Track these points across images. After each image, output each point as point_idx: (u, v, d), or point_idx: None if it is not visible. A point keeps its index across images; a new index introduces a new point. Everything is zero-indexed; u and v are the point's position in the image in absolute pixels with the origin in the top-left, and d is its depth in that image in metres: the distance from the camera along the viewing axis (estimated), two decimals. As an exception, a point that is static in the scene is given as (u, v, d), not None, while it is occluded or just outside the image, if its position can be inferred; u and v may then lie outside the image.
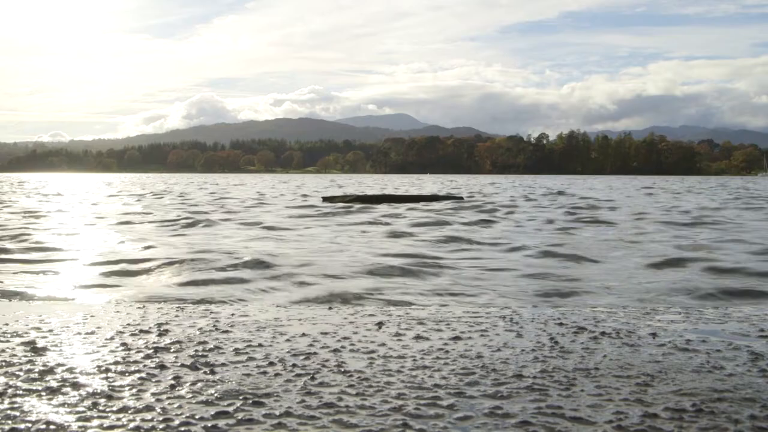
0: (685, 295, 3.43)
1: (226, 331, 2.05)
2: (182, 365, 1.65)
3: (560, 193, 19.86)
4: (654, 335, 2.03)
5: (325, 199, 14.98)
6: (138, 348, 1.82)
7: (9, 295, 3.31)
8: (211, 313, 2.38)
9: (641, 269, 4.39)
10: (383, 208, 11.52)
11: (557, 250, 5.33)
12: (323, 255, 5.05)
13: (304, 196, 18.56)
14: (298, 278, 3.91)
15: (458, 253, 5.29)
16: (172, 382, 1.51)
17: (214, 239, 6.32)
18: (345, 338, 1.96)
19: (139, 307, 2.50)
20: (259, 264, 4.38)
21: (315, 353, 1.78)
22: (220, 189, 25.79)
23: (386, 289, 3.59)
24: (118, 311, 2.41)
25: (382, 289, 3.56)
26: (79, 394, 1.42)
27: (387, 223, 8.39)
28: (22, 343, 1.86)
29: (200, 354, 1.77)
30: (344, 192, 20.50)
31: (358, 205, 12.65)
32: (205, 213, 10.69)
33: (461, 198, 16.05)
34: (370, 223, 8.59)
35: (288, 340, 1.93)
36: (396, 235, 6.92)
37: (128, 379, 1.53)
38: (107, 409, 1.33)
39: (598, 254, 5.16)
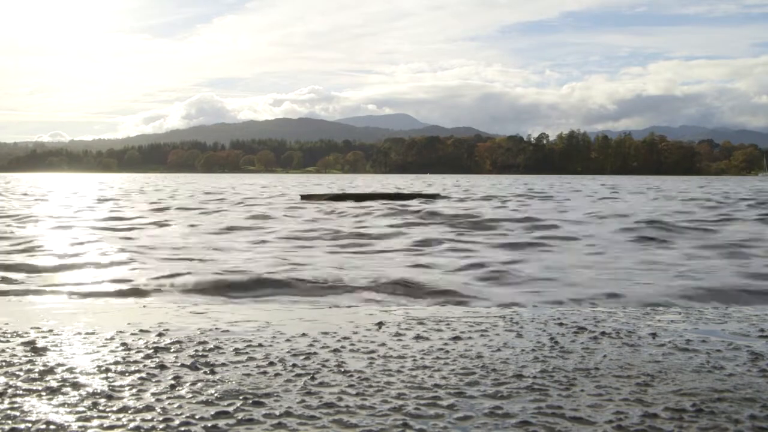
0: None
1: (226, 331, 2.05)
2: (182, 365, 1.65)
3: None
4: (654, 335, 2.03)
5: (304, 197, 15.32)
6: (138, 348, 1.82)
7: (9, 294, 3.31)
8: (211, 313, 2.38)
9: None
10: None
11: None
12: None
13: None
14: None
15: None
16: (172, 382, 1.51)
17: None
18: (345, 338, 1.96)
19: (139, 307, 2.50)
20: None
21: (315, 353, 1.78)
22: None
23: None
24: (118, 311, 2.41)
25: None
26: (79, 394, 1.42)
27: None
28: (22, 343, 1.85)
29: (200, 354, 1.77)
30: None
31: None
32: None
33: (438, 195, 16.38)
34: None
35: (288, 340, 1.93)
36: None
37: (128, 379, 1.53)
38: (107, 409, 1.33)
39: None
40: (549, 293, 3.35)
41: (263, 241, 6.14)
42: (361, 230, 7.13)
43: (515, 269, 4.17)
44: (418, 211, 10.30)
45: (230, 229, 7.63)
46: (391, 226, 7.82)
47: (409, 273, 3.94)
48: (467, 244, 5.83)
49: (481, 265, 4.34)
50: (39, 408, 1.34)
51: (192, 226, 8.05)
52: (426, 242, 5.93)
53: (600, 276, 3.92)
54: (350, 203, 13.15)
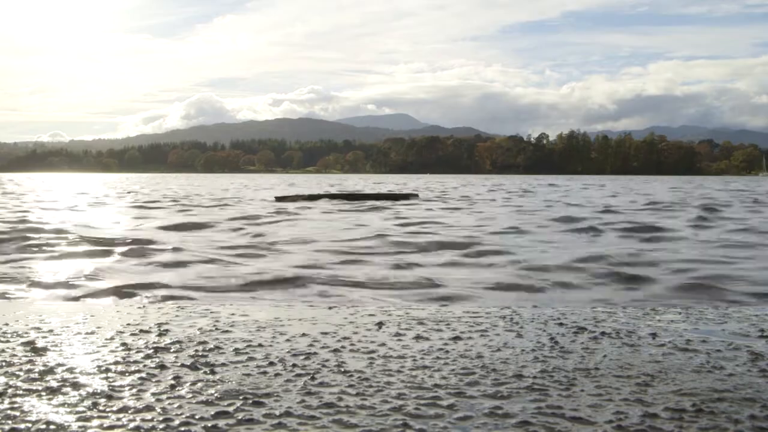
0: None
1: (226, 331, 2.05)
2: (182, 365, 1.65)
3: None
4: (654, 335, 2.03)
5: (278, 198, 15.40)
6: (138, 348, 1.82)
7: (9, 294, 3.31)
8: (211, 313, 2.38)
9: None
10: None
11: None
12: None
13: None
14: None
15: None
16: (172, 382, 1.51)
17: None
18: (345, 338, 1.96)
19: (139, 307, 2.50)
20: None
21: (315, 353, 1.78)
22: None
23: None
24: (118, 311, 2.41)
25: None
26: (79, 394, 1.42)
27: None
28: (22, 343, 1.86)
29: (200, 354, 1.77)
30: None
31: None
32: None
33: (416, 195, 16.50)
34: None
35: (288, 340, 1.93)
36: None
37: (128, 379, 1.53)
38: (107, 409, 1.33)
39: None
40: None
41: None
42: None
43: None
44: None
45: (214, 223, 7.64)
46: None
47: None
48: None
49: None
50: (39, 408, 1.34)
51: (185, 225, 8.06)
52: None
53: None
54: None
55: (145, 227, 7.58)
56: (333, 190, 21.42)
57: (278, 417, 1.30)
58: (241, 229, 7.47)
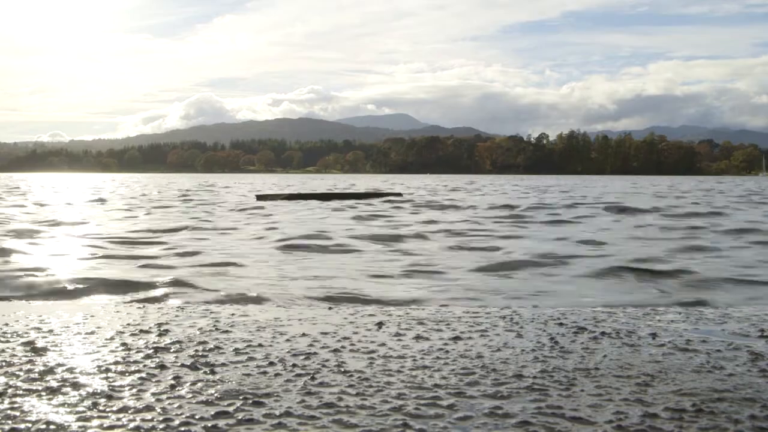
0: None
1: (226, 331, 2.05)
2: (182, 365, 1.65)
3: None
4: (654, 335, 2.03)
5: (259, 197, 15.46)
6: (138, 348, 1.82)
7: (9, 294, 3.31)
8: (211, 313, 2.38)
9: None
10: None
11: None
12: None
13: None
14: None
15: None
16: (172, 382, 1.51)
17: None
18: (345, 338, 1.96)
19: (139, 307, 2.50)
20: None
21: (315, 353, 1.78)
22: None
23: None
24: (118, 311, 2.41)
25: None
26: (79, 394, 1.42)
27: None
28: (22, 343, 1.85)
29: (200, 354, 1.76)
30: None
31: None
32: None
33: (400, 194, 16.54)
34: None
35: (288, 340, 1.93)
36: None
37: (128, 379, 1.53)
38: (107, 409, 1.33)
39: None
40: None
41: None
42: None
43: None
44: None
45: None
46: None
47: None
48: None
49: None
50: (39, 408, 1.34)
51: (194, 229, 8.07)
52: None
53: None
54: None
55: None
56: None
57: (278, 417, 1.30)
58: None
